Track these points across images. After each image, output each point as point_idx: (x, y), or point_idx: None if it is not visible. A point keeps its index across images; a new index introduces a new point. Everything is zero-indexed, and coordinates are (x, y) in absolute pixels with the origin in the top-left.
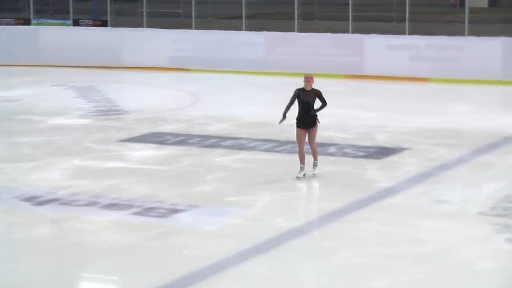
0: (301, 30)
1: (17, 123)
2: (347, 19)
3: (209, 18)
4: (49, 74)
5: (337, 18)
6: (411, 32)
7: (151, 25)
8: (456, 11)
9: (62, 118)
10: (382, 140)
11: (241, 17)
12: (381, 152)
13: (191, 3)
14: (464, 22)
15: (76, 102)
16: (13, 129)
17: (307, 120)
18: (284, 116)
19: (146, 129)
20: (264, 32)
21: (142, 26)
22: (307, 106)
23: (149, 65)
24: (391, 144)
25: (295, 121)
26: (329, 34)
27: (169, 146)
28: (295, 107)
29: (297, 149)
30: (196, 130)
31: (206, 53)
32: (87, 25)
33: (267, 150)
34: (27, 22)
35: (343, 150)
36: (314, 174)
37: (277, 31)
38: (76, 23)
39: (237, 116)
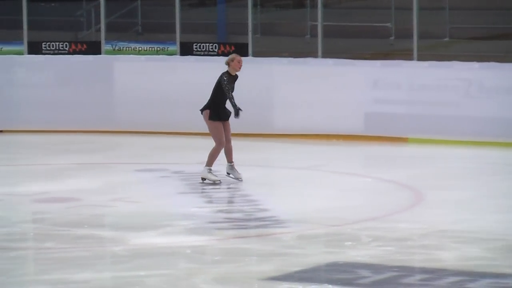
0: None
1: (64, 244)
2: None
3: None
4: (125, 148)
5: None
6: None
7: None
8: None
9: (154, 234)
10: None
11: None
12: None
13: None
14: None
15: (180, 203)
16: (58, 256)
17: (224, 112)
18: (237, 108)
19: (320, 257)
20: None
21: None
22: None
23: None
24: None
25: (210, 112)
26: None
27: None
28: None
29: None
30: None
31: None
32: (208, 53)
33: None
34: (93, 48)
35: None
36: (239, 179)
37: None
38: (186, 50)
39: None
